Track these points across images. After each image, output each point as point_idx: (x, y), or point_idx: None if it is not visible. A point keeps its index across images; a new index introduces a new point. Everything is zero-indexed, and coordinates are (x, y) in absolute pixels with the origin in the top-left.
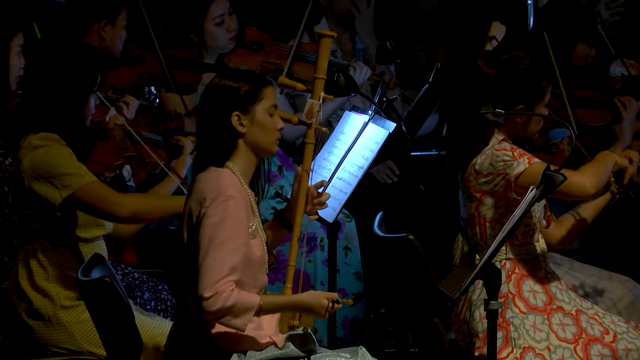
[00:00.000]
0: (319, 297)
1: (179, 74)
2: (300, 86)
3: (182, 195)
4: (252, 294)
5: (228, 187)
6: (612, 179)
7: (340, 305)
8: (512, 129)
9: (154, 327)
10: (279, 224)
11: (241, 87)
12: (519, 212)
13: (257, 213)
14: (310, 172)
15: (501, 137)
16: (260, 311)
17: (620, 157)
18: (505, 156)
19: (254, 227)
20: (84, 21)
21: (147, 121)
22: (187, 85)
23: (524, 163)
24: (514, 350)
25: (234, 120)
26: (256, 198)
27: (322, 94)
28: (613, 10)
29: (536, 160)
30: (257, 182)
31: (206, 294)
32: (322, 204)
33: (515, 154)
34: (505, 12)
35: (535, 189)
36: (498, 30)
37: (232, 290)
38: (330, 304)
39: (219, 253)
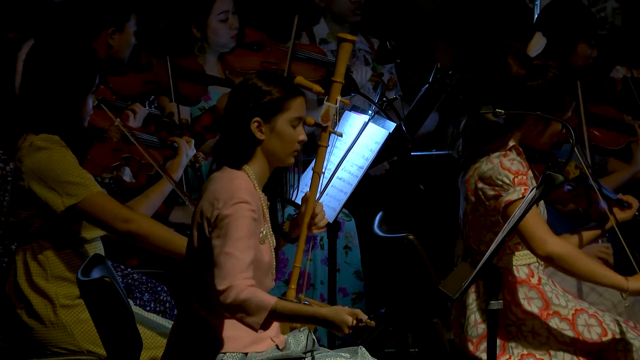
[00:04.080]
0: (341, 313)
1: (185, 85)
2: (317, 88)
3: None
4: (269, 295)
5: (241, 190)
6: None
7: (364, 324)
8: (525, 136)
9: (154, 327)
10: (281, 238)
11: (269, 92)
12: (518, 212)
13: (268, 218)
14: (322, 175)
15: (512, 143)
16: (275, 313)
17: (638, 282)
18: (506, 177)
19: (264, 232)
20: (91, 28)
21: (154, 130)
22: (192, 98)
23: (519, 192)
24: (512, 358)
25: (254, 126)
26: (268, 203)
27: (339, 97)
28: (598, 7)
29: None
30: (285, 190)
31: (220, 287)
32: (320, 227)
33: (515, 180)
34: (507, 12)
35: (535, 189)
36: (538, 42)
37: (248, 286)
38: (355, 322)
39: (233, 250)
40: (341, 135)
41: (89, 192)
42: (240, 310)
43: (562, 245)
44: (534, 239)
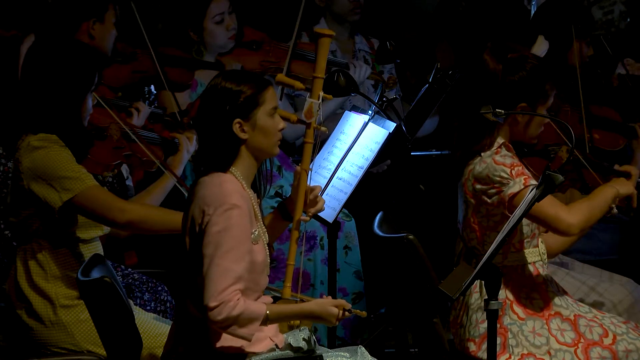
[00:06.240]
0: (326, 305)
1: (172, 71)
2: (298, 84)
3: None
4: (259, 303)
5: (232, 195)
6: (614, 206)
7: (352, 314)
8: (512, 130)
9: (154, 327)
10: (281, 216)
11: (241, 91)
12: (518, 212)
13: (260, 217)
14: (309, 172)
15: (501, 141)
16: (267, 320)
17: (623, 185)
18: (503, 172)
19: (256, 232)
20: (72, 21)
21: (157, 128)
22: (180, 82)
23: (520, 183)
24: (512, 357)
25: (236, 127)
26: (258, 200)
27: (322, 93)
28: (606, 9)
29: (532, 182)
30: (258, 182)
31: (212, 304)
32: (318, 211)
33: (513, 172)
34: (505, 12)
35: (535, 189)
36: (541, 46)
37: (238, 299)
38: (341, 312)
39: (224, 262)
40: (326, 131)
41: (85, 185)
42: (233, 324)
43: (578, 213)
44: (561, 222)
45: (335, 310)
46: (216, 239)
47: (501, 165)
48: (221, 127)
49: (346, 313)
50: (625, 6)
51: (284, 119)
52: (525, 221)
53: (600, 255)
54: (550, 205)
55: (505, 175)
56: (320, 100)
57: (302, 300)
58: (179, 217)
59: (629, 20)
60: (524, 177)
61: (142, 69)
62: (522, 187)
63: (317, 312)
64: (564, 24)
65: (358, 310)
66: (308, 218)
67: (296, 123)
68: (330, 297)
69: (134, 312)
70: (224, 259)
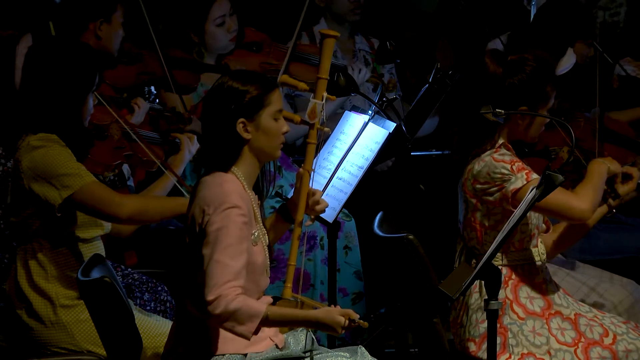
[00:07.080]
0: (333, 314)
1: (178, 73)
2: (302, 85)
3: (183, 197)
4: (259, 302)
5: (231, 195)
6: (607, 190)
7: (356, 325)
8: (513, 131)
9: (154, 327)
10: (282, 218)
11: (247, 91)
12: (518, 212)
13: (260, 219)
14: (312, 172)
15: (501, 141)
16: (267, 320)
17: (612, 162)
18: (503, 169)
19: (256, 234)
20: (80, 20)
21: (156, 124)
22: (186, 85)
23: (522, 179)
24: (512, 357)
25: (239, 127)
26: (259, 202)
27: (325, 94)
28: (612, 11)
29: (534, 176)
30: (261, 183)
31: (209, 297)
32: (320, 211)
33: (513, 167)
34: (505, 11)
35: (535, 189)
36: (568, 60)
37: (237, 295)
38: (347, 322)
39: (222, 258)
40: (330, 132)
41: (84, 181)
42: (231, 320)
43: (587, 196)
44: (574, 210)
45: (342, 319)
46: (214, 236)
47: (501, 162)
48: (225, 126)
49: (352, 324)
50: (627, 6)
51: (288, 119)
52: (525, 221)
53: (600, 255)
54: (560, 196)
55: (506, 172)
56: (324, 101)
57: (302, 302)
58: (177, 202)
59: (627, 19)
60: (526, 171)
61: (149, 71)
62: (525, 182)
63: (322, 320)
64: (565, 25)
65: (361, 321)
66: (311, 222)
67: (300, 124)
68: (339, 306)
69: (134, 312)
70: (222, 255)
